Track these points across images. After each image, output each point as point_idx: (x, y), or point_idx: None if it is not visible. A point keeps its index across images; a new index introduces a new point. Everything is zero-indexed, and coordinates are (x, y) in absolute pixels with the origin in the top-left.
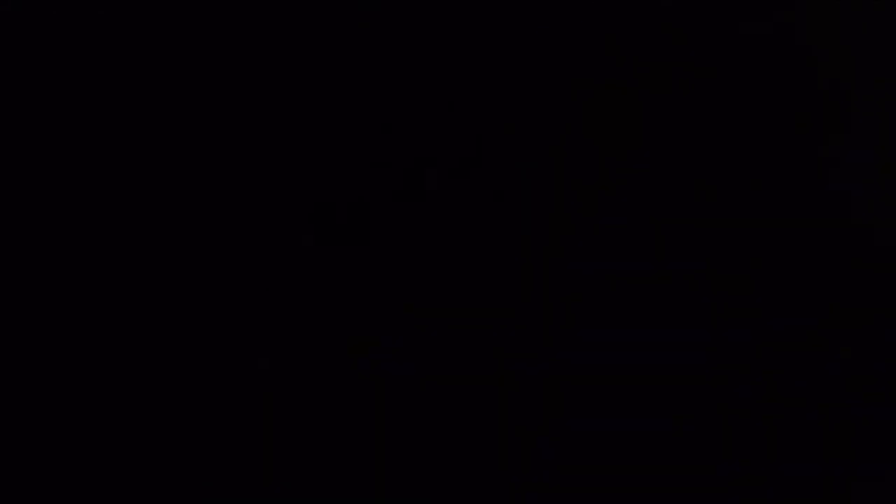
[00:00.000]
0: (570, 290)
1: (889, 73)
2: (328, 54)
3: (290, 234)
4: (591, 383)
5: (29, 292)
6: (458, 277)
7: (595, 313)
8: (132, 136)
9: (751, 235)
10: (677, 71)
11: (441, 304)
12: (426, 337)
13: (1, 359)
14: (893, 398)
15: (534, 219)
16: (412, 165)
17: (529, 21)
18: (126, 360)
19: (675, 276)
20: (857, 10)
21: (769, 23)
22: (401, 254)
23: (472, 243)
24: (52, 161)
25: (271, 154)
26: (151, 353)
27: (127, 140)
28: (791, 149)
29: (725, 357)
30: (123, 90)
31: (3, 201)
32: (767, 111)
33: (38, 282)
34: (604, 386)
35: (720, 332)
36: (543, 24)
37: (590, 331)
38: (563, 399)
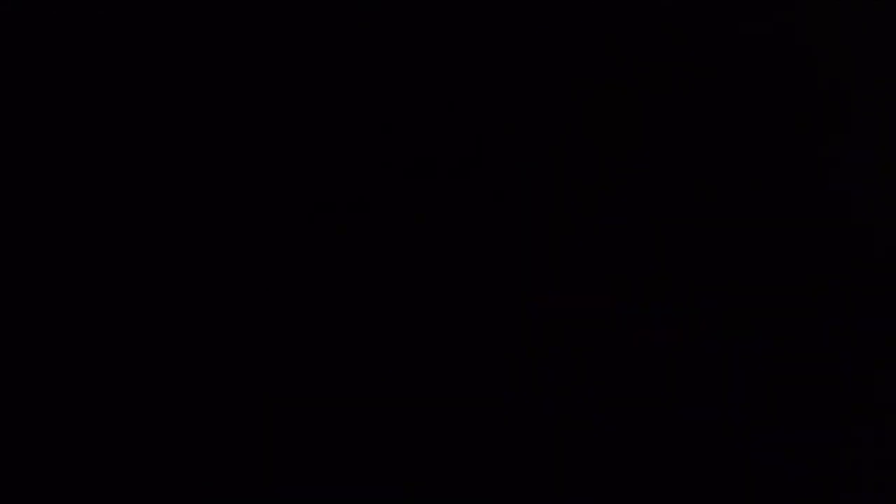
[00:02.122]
0: (570, 291)
1: (889, 73)
2: (329, 55)
3: (288, 233)
4: (591, 382)
5: (29, 292)
6: (456, 277)
7: (595, 313)
8: (132, 137)
9: (750, 235)
10: (677, 71)
11: (441, 304)
12: (426, 336)
13: (1, 359)
14: (893, 396)
15: (533, 218)
16: (412, 166)
17: (529, 21)
18: (126, 360)
19: (674, 275)
20: (857, 10)
21: (769, 23)
22: (400, 253)
23: (472, 243)
24: (53, 161)
25: (271, 154)
26: (151, 353)
27: (127, 140)
28: (791, 149)
29: (724, 356)
30: (123, 90)
31: (2, 201)
32: (767, 111)
33: (38, 282)
34: (604, 385)
35: (719, 331)
36: (543, 24)
37: (590, 329)
38: (564, 398)
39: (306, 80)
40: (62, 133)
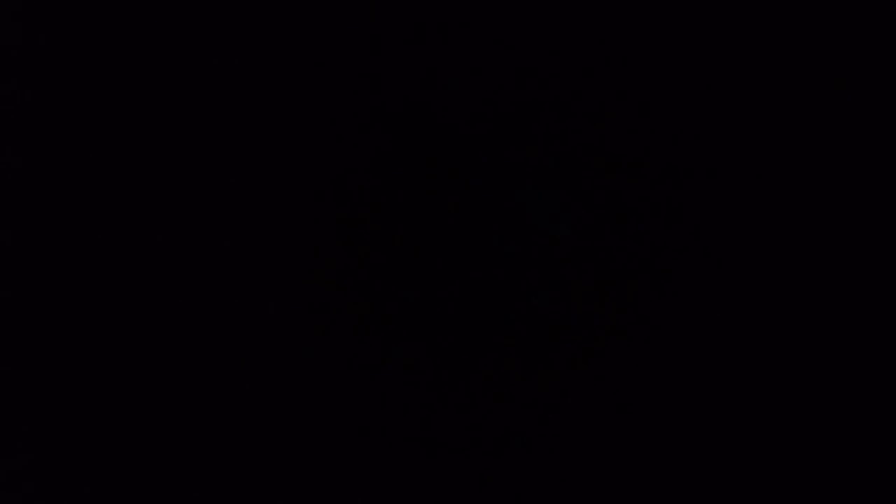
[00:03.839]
0: (569, 291)
1: None
2: (330, 55)
3: (287, 232)
4: (591, 382)
5: (28, 292)
6: (457, 277)
7: (600, 315)
8: (131, 136)
9: (750, 234)
10: (675, 76)
11: (441, 304)
12: (425, 336)
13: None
14: (893, 396)
15: (532, 218)
16: (411, 165)
17: (529, 21)
18: (125, 359)
19: (674, 275)
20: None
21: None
22: (399, 253)
23: (472, 242)
24: (52, 161)
25: (270, 154)
26: (150, 352)
27: (126, 139)
28: (790, 148)
29: (724, 355)
30: (124, 91)
31: (3, 201)
32: (766, 111)
33: (38, 281)
34: (604, 385)
35: (719, 331)
36: (543, 23)
37: (590, 329)
38: (564, 398)
39: (306, 80)
40: (61, 132)
